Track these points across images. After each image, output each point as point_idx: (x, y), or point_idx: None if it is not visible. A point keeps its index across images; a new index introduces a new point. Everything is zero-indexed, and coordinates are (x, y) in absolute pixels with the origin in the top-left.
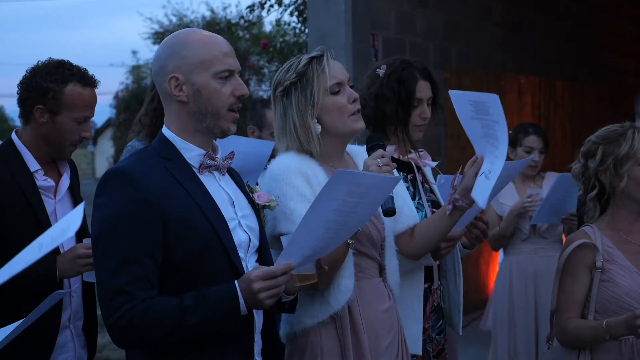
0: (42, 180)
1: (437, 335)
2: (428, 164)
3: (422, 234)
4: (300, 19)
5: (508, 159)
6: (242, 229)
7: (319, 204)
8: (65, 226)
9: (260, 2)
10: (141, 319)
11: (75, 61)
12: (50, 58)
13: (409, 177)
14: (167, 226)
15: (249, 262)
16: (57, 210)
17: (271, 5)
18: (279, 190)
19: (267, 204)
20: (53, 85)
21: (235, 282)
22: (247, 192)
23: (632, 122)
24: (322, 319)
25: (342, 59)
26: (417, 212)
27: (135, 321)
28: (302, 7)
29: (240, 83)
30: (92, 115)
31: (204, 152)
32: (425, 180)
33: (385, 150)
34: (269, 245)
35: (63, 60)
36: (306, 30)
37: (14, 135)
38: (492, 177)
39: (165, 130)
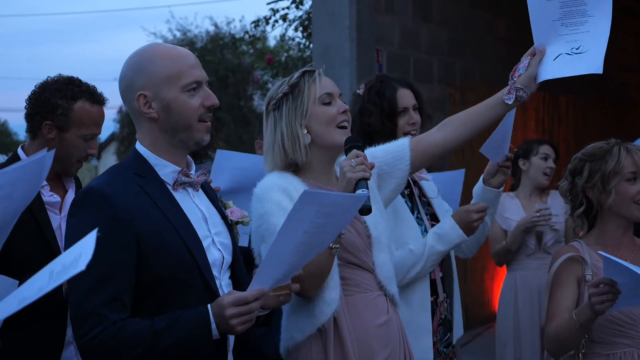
0: (48, 196)
1: (445, 349)
2: (424, 177)
3: (465, 119)
4: (304, 34)
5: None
6: (216, 247)
7: (288, 228)
8: (77, 254)
9: (265, 17)
10: (112, 342)
11: (78, 75)
12: (60, 74)
13: (406, 191)
14: (141, 246)
15: (223, 280)
16: (62, 225)
17: (276, 21)
18: (262, 210)
19: (240, 220)
20: (62, 102)
21: (209, 306)
22: (220, 208)
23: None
24: (310, 332)
25: (347, 74)
26: (418, 226)
27: (106, 344)
28: (306, 22)
29: (209, 94)
30: (99, 133)
31: (178, 168)
32: (422, 194)
33: (363, 150)
34: (257, 262)
35: (72, 76)
36: (311, 46)
37: (20, 151)
38: (590, 45)
39: (138, 146)
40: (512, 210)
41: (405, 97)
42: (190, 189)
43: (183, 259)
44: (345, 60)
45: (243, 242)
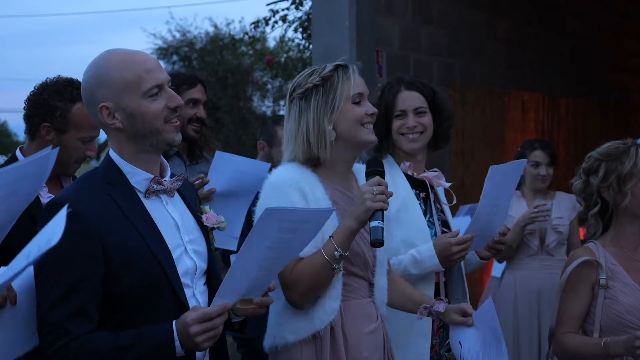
0: (46, 197)
1: (447, 353)
2: (442, 184)
3: (401, 296)
4: (304, 35)
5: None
6: (189, 256)
7: (251, 244)
8: (50, 234)
9: (264, 19)
10: (77, 355)
11: (78, 77)
12: (59, 76)
13: (422, 194)
14: (109, 258)
15: (197, 287)
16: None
17: (275, 22)
18: (275, 202)
19: (216, 225)
20: (61, 104)
21: (174, 323)
22: (195, 212)
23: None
24: (304, 336)
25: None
26: (429, 229)
27: (69, 357)
28: (306, 23)
29: (172, 95)
30: (98, 135)
31: (150, 176)
32: (437, 200)
33: (383, 177)
34: None
35: (72, 78)
36: (310, 47)
37: (18, 152)
38: None
39: (112, 153)
40: (517, 209)
41: (408, 100)
42: (163, 196)
43: (152, 271)
44: (345, 61)
45: (231, 246)
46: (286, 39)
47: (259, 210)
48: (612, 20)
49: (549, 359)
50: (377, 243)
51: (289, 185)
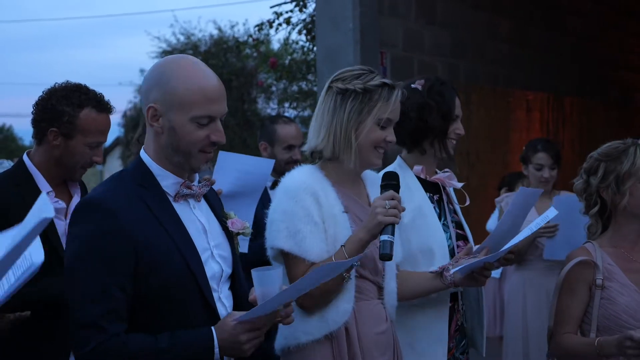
0: (54, 202)
1: (461, 355)
2: (454, 184)
3: (408, 288)
4: (308, 37)
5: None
6: (215, 260)
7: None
8: (27, 223)
9: (268, 21)
10: (116, 355)
11: (83, 80)
12: (67, 81)
13: (435, 197)
14: (139, 258)
15: (222, 292)
16: (67, 231)
17: (279, 24)
18: (289, 208)
19: (240, 231)
20: (69, 109)
21: (213, 329)
22: (221, 218)
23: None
24: (317, 337)
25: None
26: (444, 232)
27: (109, 356)
28: (310, 25)
29: (219, 129)
30: (105, 141)
31: (180, 180)
32: (449, 200)
33: (397, 191)
34: (268, 257)
35: (80, 84)
36: (314, 48)
37: (25, 157)
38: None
39: (143, 154)
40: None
41: (459, 106)
42: (191, 200)
43: (181, 273)
44: (349, 63)
45: (242, 249)
46: (290, 41)
47: (272, 213)
48: (615, 20)
49: (549, 359)
50: (386, 257)
51: (304, 190)
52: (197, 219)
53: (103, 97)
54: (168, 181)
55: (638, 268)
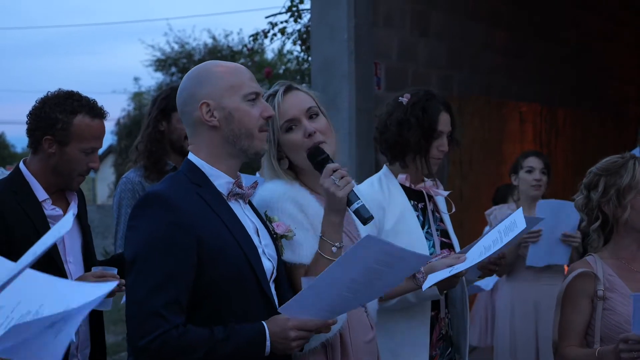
0: (51, 209)
1: None
2: (440, 193)
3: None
4: (303, 47)
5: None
6: (267, 257)
7: (344, 263)
8: (57, 231)
9: (263, 31)
10: (175, 345)
11: (77, 88)
12: (60, 89)
13: (420, 205)
14: (201, 251)
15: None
16: (65, 239)
17: (274, 34)
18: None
19: (285, 233)
20: (62, 116)
21: (264, 324)
22: (265, 221)
23: (631, 149)
24: (314, 345)
25: (346, 87)
26: (426, 240)
27: (168, 346)
28: (305, 35)
29: (267, 105)
30: (100, 147)
31: (232, 180)
32: (436, 209)
33: (332, 162)
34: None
35: (72, 91)
36: (309, 58)
37: (22, 165)
38: (446, 272)
39: (192, 157)
40: None
41: (445, 122)
42: (241, 201)
43: (241, 266)
44: (343, 74)
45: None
46: (285, 51)
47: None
48: (609, 31)
49: None
50: (369, 219)
51: (284, 199)
52: (248, 218)
53: (96, 102)
54: (221, 180)
55: (639, 278)
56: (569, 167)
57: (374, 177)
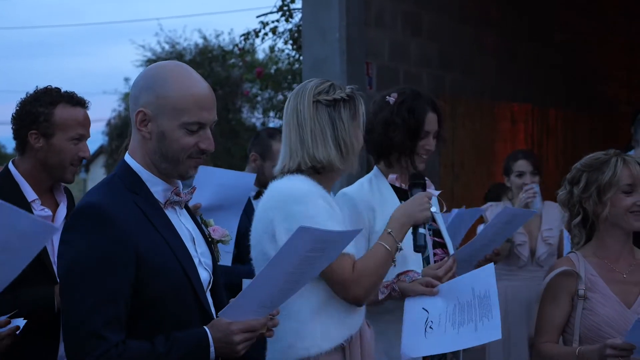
0: (39, 210)
1: None
2: (431, 193)
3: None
4: (294, 46)
5: (504, 187)
6: (203, 267)
7: (280, 260)
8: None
9: (254, 31)
10: None
11: (68, 88)
12: (37, 87)
13: None
14: (140, 265)
15: (208, 299)
16: (54, 240)
17: (265, 34)
18: (306, 212)
19: (221, 238)
20: (42, 109)
21: (206, 329)
22: (200, 225)
23: (626, 150)
24: (338, 342)
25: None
26: None
27: None
28: (296, 35)
29: (208, 137)
30: (88, 135)
31: (170, 187)
32: None
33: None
34: None
35: (49, 86)
36: (300, 58)
37: (10, 165)
38: (430, 337)
39: (129, 159)
40: None
41: (432, 121)
42: (177, 207)
43: (179, 280)
44: (335, 74)
45: (225, 261)
46: (276, 50)
47: (288, 225)
48: (600, 32)
49: None
50: (422, 248)
51: (316, 195)
52: (184, 226)
53: (75, 93)
54: (158, 187)
55: (621, 279)
56: (559, 167)
57: (365, 178)
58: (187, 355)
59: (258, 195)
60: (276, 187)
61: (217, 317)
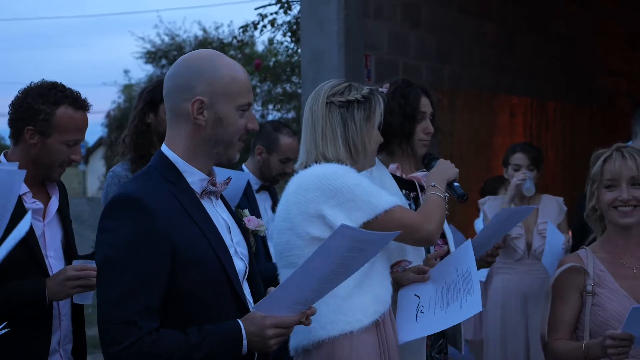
0: (31, 202)
1: (438, 355)
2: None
3: None
4: (293, 39)
5: (501, 180)
6: (239, 257)
7: (319, 257)
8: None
9: (253, 23)
10: (148, 353)
11: (68, 80)
12: (43, 79)
13: (412, 194)
14: (175, 255)
15: (245, 289)
16: (45, 232)
17: (264, 26)
18: (349, 182)
19: (256, 228)
20: (44, 107)
21: (240, 322)
22: (236, 216)
23: (627, 141)
24: (374, 319)
25: (335, 79)
26: None
27: (142, 354)
28: (295, 27)
29: (254, 117)
30: (83, 139)
31: (207, 177)
32: None
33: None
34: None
35: (56, 82)
36: (299, 51)
37: (2, 157)
38: (421, 320)
39: (166, 150)
40: None
41: (426, 104)
42: (212, 197)
43: (214, 270)
44: (333, 66)
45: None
46: (275, 42)
47: (337, 201)
48: (599, 25)
49: None
50: (464, 196)
51: (346, 168)
52: (220, 216)
53: (80, 94)
54: (194, 177)
55: (631, 274)
56: (558, 160)
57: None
58: (220, 347)
59: (261, 189)
60: (306, 174)
61: (254, 306)
